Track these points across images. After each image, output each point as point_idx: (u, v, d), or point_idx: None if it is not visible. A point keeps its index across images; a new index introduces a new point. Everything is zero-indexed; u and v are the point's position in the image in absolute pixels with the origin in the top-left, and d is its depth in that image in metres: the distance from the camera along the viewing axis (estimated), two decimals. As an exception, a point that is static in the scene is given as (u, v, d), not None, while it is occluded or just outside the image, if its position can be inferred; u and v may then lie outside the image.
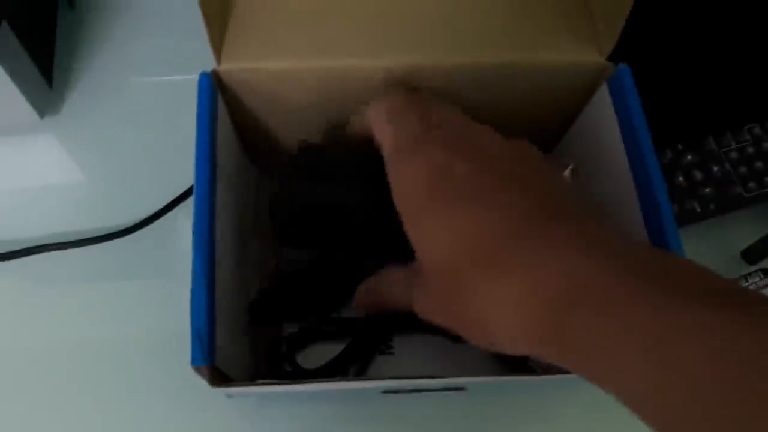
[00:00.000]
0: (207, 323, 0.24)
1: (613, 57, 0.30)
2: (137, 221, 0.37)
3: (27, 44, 0.37)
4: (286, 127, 0.35)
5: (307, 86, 0.31)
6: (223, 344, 0.26)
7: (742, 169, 0.37)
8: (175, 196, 0.38)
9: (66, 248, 0.37)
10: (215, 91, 0.29)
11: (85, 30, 0.43)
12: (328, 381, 0.27)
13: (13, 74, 0.35)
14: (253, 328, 0.33)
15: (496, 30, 0.31)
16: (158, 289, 0.36)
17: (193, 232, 0.26)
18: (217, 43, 0.29)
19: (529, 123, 0.33)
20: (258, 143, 0.35)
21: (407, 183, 0.24)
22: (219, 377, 0.25)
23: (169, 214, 0.38)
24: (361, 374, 0.33)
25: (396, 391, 0.32)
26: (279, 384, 0.27)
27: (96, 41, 0.43)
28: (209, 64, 0.29)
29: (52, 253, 0.36)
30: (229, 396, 0.30)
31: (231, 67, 0.29)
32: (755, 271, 0.36)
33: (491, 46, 0.31)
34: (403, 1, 0.31)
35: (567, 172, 0.31)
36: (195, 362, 0.23)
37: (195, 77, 0.29)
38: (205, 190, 0.27)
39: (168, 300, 0.33)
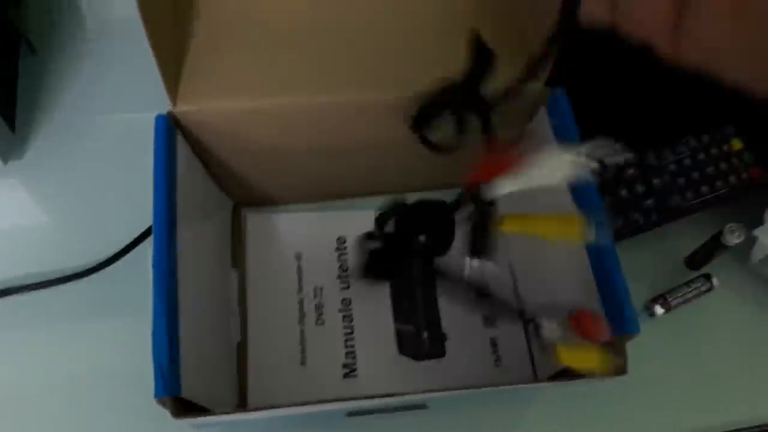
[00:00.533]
0: (168, 357, 0.25)
1: (551, 81, 0.32)
2: (103, 260, 0.38)
3: (-12, 92, 0.38)
4: (250, 160, 0.36)
5: (263, 123, 0.32)
6: (194, 375, 0.27)
7: (681, 180, 0.39)
8: (140, 233, 0.39)
9: (32, 290, 0.37)
10: (173, 131, 0.30)
11: (47, 74, 0.44)
12: (290, 407, 0.28)
13: (-26, 122, 0.36)
14: (242, 357, 0.34)
15: (443, 61, 0.33)
16: (127, 326, 0.36)
17: (153, 270, 0.27)
18: (172, 85, 0.31)
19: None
20: (227, 176, 0.37)
21: None
22: (184, 408, 0.26)
23: (136, 250, 0.38)
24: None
25: (361, 413, 0.33)
26: (242, 413, 0.28)
27: (58, 84, 0.44)
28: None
29: (17, 297, 0.37)
30: (196, 427, 0.31)
31: (187, 108, 0.31)
32: (698, 277, 0.38)
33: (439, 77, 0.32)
34: (349, 39, 0.33)
35: None
36: (157, 394, 0.24)
37: (155, 113, 0.30)
38: (164, 229, 0.28)
39: (137, 336, 0.34)
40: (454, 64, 0.33)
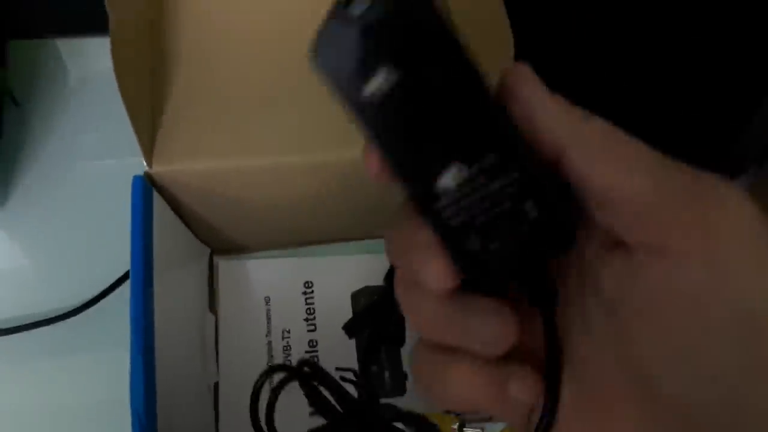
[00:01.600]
0: (144, 404, 0.27)
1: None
2: (82, 303, 0.40)
3: (-27, 145, 0.40)
4: (223, 213, 0.38)
5: (233, 181, 0.35)
6: (170, 417, 0.29)
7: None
8: (118, 276, 0.41)
9: (13, 333, 0.39)
10: (149, 190, 0.33)
11: (29, 125, 0.47)
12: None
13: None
14: (216, 404, 0.36)
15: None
16: (107, 365, 0.38)
17: (130, 317, 0.29)
18: (148, 147, 0.33)
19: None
20: (202, 227, 0.39)
21: None
22: (158, 450, 0.28)
23: (114, 293, 0.41)
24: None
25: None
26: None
27: (40, 135, 0.46)
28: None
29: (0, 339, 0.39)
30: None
31: (162, 169, 0.33)
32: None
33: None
34: (317, 102, 0.36)
35: None
36: (134, 442, 0.27)
37: (136, 160, 0.32)
38: (140, 277, 0.30)
39: (117, 377, 0.36)
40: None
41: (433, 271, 0.17)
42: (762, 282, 0.15)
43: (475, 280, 0.17)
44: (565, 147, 0.17)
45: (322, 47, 0.16)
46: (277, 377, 0.38)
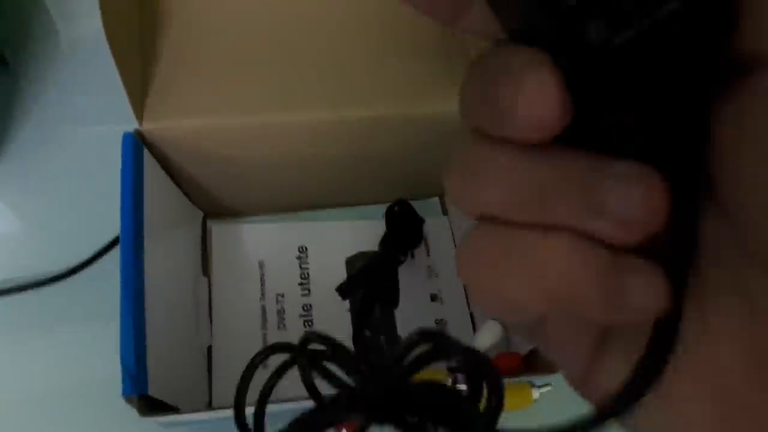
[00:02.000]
0: (135, 356, 0.27)
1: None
2: (73, 266, 0.40)
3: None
4: (215, 174, 0.38)
5: (226, 140, 0.34)
6: (162, 376, 0.29)
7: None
8: (108, 241, 0.41)
9: (2, 295, 0.39)
10: (140, 148, 0.32)
11: (19, 86, 0.46)
12: (252, 406, 0.30)
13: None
14: (209, 367, 0.36)
15: (404, 79, 0.35)
16: (98, 330, 0.38)
17: (120, 281, 0.29)
18: (139, 104, 0.33)
19: (416, 172, 0.38)
20: (195, 189, 0.38)
21: None
22: (151, 407, 0.28)
23: (106, 258, 0.40)
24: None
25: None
26: (207, 412, 0.30)
27: (30, 96, 0.46)
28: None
29: (-9, 301, 0.39)
30: (165, 426, 0.33)
31: (153, 126, 0.33)
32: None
33: (394, 99, 0.35)
34: (311, 59, 0.35)
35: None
36: (125, 392, 0.26)
37: (128, 126, 0.32)
38: (131, 239, 0.30)
39: (109, 340, 0.35)
40: (413, 83, 0.35)
41: (543, 94, 0.12)
42: None
43: (595, 118, 0.13)
44: None
45: None
46: (273, 341, 0.38)
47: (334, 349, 0.17)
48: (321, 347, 0.18)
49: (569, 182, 0.13)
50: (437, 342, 0.16)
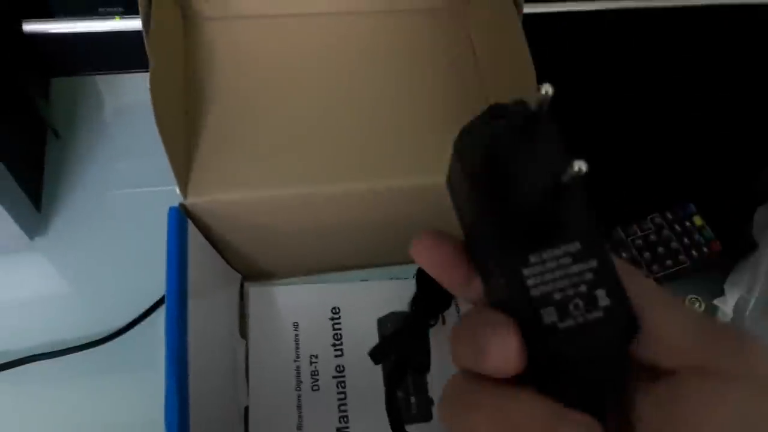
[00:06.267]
0: (178, 419, 0.29)
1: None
2: (119, 328, 0.42)
3: (18, 176, 0.42)
4: (254, 242, 0.40)
5: (264, 211, 0.36)
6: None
7: (647, 255, 0.42)
8: (153, 302, 0.43)
9: (55, 357, 0.41)
10: (184, 221, 0.35)
11: (70, 156, 0.49)
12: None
13: (4, 203, 0.40)
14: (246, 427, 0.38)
15: (430, 151, 0.36)
16: (142, 389, 0.40)
17: (165, 337, 0.30)
18: (183, 179, 0.35)
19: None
20: (234, 255, 0.40)
21: None
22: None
23: (148, 320, 0.42)
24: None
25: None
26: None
27: (79, 165, 0.49)
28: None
29: (43, 362, 0.41)
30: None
31: (196, 200, 0.35)
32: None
33: (421, 169, 0.36)
34: (342, 135, 0.37)
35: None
36: (168, 461, 0.28)
37: (169, 188, 0.34)
38: (175, 302, 0.32)
39: (151, 401, 0.37)
40: (441, 154, 0.37)
41: (504, 343, 0.17)
42: None
43: (544, 372, 0.18)
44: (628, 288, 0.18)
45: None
46: (307, 403, 0.39)
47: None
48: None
49: (533, 420, 0.17)
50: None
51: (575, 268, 0.18)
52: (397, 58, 0.40)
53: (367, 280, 0.44)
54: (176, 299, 0.32)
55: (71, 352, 0.41)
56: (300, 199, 0.36)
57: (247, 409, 0.39)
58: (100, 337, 0.41)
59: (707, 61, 0.47)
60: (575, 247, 0.18)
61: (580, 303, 0.18)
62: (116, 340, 0.41)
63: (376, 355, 0.37)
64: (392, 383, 0.37)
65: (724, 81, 0.48)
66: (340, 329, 0.42)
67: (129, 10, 0.42)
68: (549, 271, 0.18)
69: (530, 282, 0.18)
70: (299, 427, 0.38)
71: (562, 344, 0.18)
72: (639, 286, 0.18)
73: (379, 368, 0.40)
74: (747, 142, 0.45)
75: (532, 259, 0.18)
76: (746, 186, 0.44)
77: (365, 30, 0.40)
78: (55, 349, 0.41)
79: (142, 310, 0.42)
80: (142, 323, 0.42)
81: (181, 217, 0.34)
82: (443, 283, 0.20)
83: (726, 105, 0.46)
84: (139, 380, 0.41)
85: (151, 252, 0.38)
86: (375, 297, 0.43)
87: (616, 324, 0.18)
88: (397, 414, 0.35)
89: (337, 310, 0.42)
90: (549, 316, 0.18)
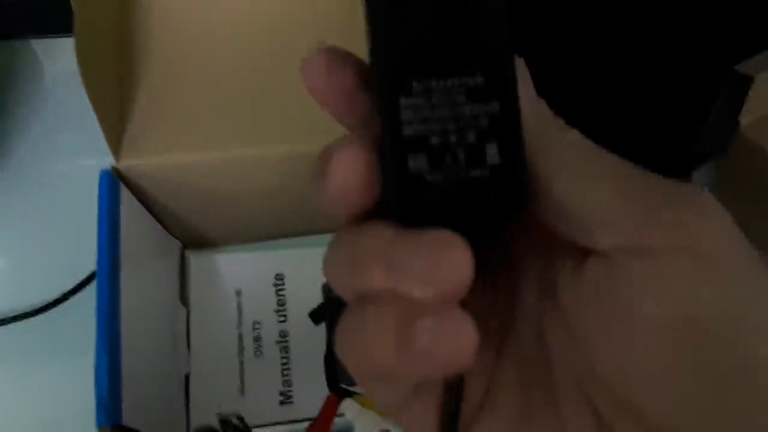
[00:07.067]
0: (108, 388, 0.28)
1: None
2: (50, 301, 0.41)
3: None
4: (192, 207, 0.39)
5: (199, 174, 0.36)
6: (139, 406, 0.30)
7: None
8: (86, 276, 0.42)
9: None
10: (116, 184, 0.34)
11: (3, 126, 0.47)
12: None
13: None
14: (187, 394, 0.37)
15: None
16: (74, 364, 0.39)
17: (96, 315, 0.30)
18: (115, 142, 0.34)
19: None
20: (172, 221, 0.40)
21: None
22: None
23: (83, 292, 0.41)
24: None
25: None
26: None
27: (14, 135, 0.47)
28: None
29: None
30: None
31: (129, 163, 0.34)
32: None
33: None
34: (278, 94, 0.36)
35: None
36: (99, 424, 0.27)
37: (108, 160, 0.33)
38: (106, 272, 0.31)
39: (85, 373, 0.36)
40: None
41: (345, 154, 0.15)
42: (745, 281, 0.15)
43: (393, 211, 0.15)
44: (537, 147, 0.15)
45: None
46: (249, 369, 0.39)
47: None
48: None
49: (377, 249, 0.14)
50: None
51: (469, 110, 0.14)
52: (333, 19, 0.39)
53: (311, 247, 0.43)
54: (107, 265, 0.31)
55: None
56: (239, 163, 0.35)
57: (188, 376, 0.38)
58: (28, 310, 0.40)
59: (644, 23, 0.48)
60: (476, 81, 0.14)
61: (461, 155, 0.14)
62: (46, 313, 0.40)
63: (316, 315, 0.36)
64: (331, 344, 0.37)
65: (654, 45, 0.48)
66: (284, 296, 0.41)
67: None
68: (434, 107, 0.14)
69: (405, 116, 0.14)
70: (241, 392, 0.38)
71: (422, 199, 0.14)
72: (554, 144, 0.15)
73: (322, 334, 0.40)
74: (683, 102, 0.45)
75: (416, 87, 0.14)
76: (683, 148, 0.44)
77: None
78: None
79: (75, 283, 0.41)
80: (76, 296, 0.41)
81: (113, 181, 0.33)
82: (339, 119, 0.17)
83: (661, 66, 0.47)
84: (71, 355, 0.39)
85: (89, 226, 0.37)
86: (319, 263, 0.42)
87: (497, 192, 0.14)
88: (333, 370, 0.35)
89: (281, 277, 0.42)
90: (417, 162, 0.14)
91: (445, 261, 0.13)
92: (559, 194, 0.15)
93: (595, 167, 0.15)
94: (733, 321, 0.14)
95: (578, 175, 0.15)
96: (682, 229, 0.15)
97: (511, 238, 0.18)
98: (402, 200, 0.14)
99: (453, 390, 0.16)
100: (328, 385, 0.34)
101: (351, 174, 0.14)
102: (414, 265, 0.14)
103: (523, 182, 0.15)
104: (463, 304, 0.14)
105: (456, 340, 0.13)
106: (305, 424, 0.34)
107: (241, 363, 0.39)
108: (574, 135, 0.16)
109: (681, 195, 0.15)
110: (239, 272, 0.42)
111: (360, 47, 0.16)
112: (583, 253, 0.16)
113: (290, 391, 0.38)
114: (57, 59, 0.51)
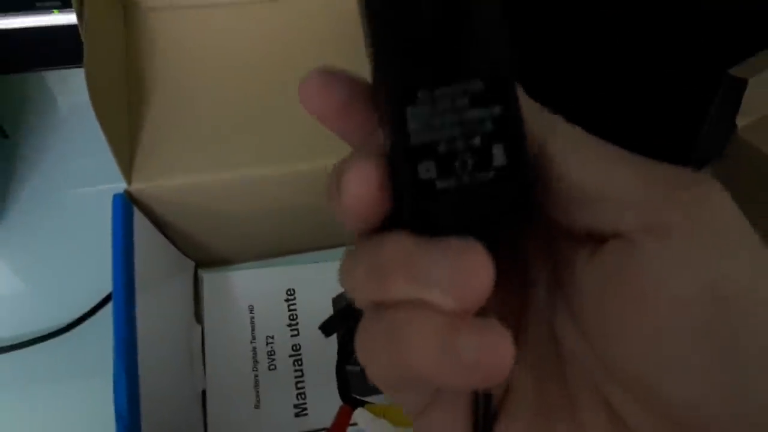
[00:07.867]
0: (128, 408, 0.29)
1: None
2: (68, 323, 0.42)
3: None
4: (203, 227, 0.40)
5: (211, 195, 0.37)
6: (157, 423, 0.31)
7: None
8: (102, 298, 0.43)
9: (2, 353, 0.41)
10: (129, 208, 0.35)
11: (19, 155, 0.49)
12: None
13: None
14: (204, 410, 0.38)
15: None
16: (93, 383, 0.39)
17: (113, 337, 0.31)
18: (126, 165, 0.35)
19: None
20: (185, 241, 0.41)
21: None
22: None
23: (99, 314, 0.42)
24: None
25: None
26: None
27: (29, 164, 0.48)
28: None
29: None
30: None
31: (141, 186, 0.35)
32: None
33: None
34: (283, 116, 0.37)
35: None
36: (118, 442, 0.28)
37: (120, 185, 0.34)
38: (121, 294, 0.32)
39: (103, 392, 0.37)
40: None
41: (356, 170, 0.15)
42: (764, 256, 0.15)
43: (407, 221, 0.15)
44: (546, 137, 0.15)
45: None
46: (264, 382, 0.40)
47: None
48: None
49: (398, 259, 0.15)
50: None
51: (472, 114, 0.14)
52: (337, 42, 0.40)
53: (321, 262, 0.44)
54: (123, 286, 0.32)
55: (18, 348, 0.41)
56: (247, 182, 0.37)
57: (204, 392, 0.39)
58: (46, 333, 0.41)
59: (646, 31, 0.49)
60: (477, 86, 0.14)
61: (469, 160, 0.14)
62: (65, 335, 0.41)
63: (326, 327, 0.37)
64: (341, 355, 0.38)
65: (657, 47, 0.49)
66: (295, 310, 0.42)
67: (67, 4, 0.43)
68: (439, 115, 0.14)
69: (412, 125, 0.14)
70: (257, 406, 0.39)
71: (435, 207, 0.15)
72: (561, 125, 0.16)
73: (334, 346, 0.41)
74: (679, 106, 0.46)
75: (421, 96, 0.14)
76: (680, 152, 0.45)
77: (304, 16, 0.41)
78: (1, 345, 0.41)
79: (92, 305, 0.43)
80: (93, 318, 0.42)
81: (126, 204, 0.34)
82: (341, 136, 0.17)
83: (655, 71, 0.48)
84: (90, 376, 0.40)
85: (103, 249, 0.38)
86: (329, 277, 0.43)
87: (507, 192, 0.15)
88: (345, 380, 0.35)
89: (292, 292, 0.43)
90: (427, 171, 0.14)
91: (466, 267, 0.14)
92: (576, 174, 0.15)
93: (608, 149, 0.16)
94: (758, 293, 0.14)
95: (592, 156, 0.15)
96: (701, 207, 0.15)
97: (519, 240, 0.18)
98: (416, 210, 0.15)
99: (485, 396, 0.17)
100: (341, 396, 0.35)
101: (363, 189, 0.15)
102: (437, 274, 0.14)
103: (531, 177, 0.15)
104: (483, 309, 0.14)
105: (498, 355, 0.14)
106: (320, 435, 0.35)
107: (256, 377, 0.40)
108: (579, 132, 0.16)
109: (692, 178, 0.15)
110: (251, 288, 0.43)
111: (363, 66, 0.16)
112: (599, 240, 0.15)
113: (304, 403, 0.39)
114: (69, 89, 0.52)
